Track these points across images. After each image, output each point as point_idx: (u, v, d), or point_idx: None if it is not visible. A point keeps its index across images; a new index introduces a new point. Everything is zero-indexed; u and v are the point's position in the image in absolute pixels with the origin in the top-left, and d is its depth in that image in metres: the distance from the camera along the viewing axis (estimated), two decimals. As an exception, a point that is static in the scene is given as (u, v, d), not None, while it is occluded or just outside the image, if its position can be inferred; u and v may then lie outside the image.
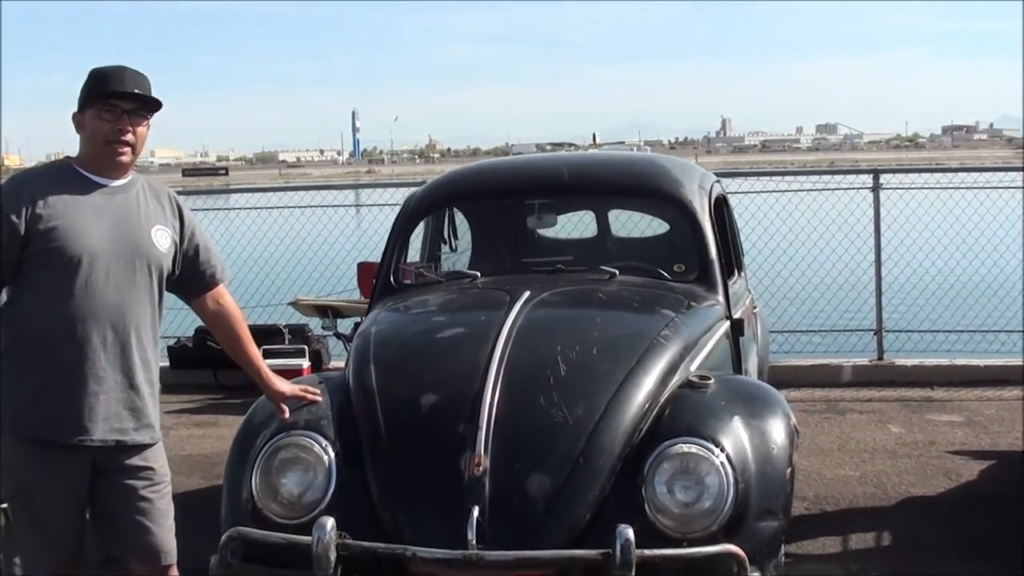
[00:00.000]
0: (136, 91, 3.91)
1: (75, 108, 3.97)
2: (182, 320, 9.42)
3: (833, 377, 10.15)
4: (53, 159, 4.42)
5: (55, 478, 3.85)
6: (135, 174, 4.07)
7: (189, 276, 4.17)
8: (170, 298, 4.23)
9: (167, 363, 10.46)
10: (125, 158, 3.94)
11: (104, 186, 3.94)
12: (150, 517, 3.99)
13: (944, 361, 10.28)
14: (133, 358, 3.92)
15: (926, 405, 9.20)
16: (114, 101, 3.89)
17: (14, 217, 3.76)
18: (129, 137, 3.91)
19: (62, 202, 3.83)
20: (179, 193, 4.33)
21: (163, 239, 4.02)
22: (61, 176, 3.94)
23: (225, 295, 4.30)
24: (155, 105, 3.99)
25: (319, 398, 4.46)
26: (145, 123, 3.99)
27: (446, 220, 6.85)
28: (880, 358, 10.51)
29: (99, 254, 3.84)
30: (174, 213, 4.12)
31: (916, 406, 9.17)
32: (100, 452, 3.89)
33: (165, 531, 4.03)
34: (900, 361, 10.41)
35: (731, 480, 4.02)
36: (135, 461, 3.97)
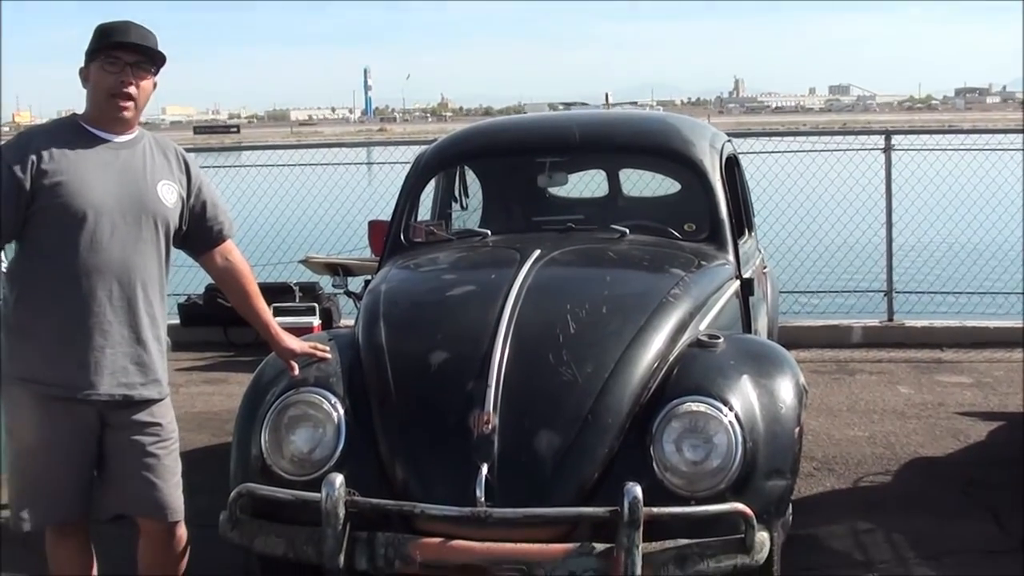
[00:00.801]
0: (139, 43, 3.89)
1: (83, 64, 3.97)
2: (192, 277, 9.45)
3: (843, 338, 10.12)
4: (63, 115, 4.41)
5: (63, 433, 3.85)
6: (141, 129, 4.04)
7: (196, 232, 4.16)
8: (182, 255, 4.22)
9: (177, 320, 10.48)
10: (128, 112, 3.92)
11: (109, 141, 3.93)
12: (157, 473, 3.98)
13: (954, 323, 10.25)
14: (140, 313, 3.91)
15: (935, 366, 9.18)
16: (117, 53, 3.87)
17: (19, 172, 3.74)
18: (131, 90, 3.89)
19: (67, 158, 3.82)
20: (190, 151, 4.32)
21: (169, 194, 4.00)
22: (67, 132, 3.92)
23: (233, 251, 4.28)
24: (159, 59, 3.96)
25: (329, 355, 4.46)
26: (149, 78, 3.97)
27: (457, 178, 6.84)
28: (890, 319, 10.48)
29: (104, 210, 3.82)
30: (181, 168, 4.09)
31: (925, 367, 9.16)
32: (107, 407, 3.89)
33: (172, 487, 4.03)
34: (910, 322, 10.38)
35: (739, 439, 4.01)
36: (142, 416, 3.96)
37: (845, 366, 9.28)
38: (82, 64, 3.95)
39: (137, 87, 3.90)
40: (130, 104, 3.91)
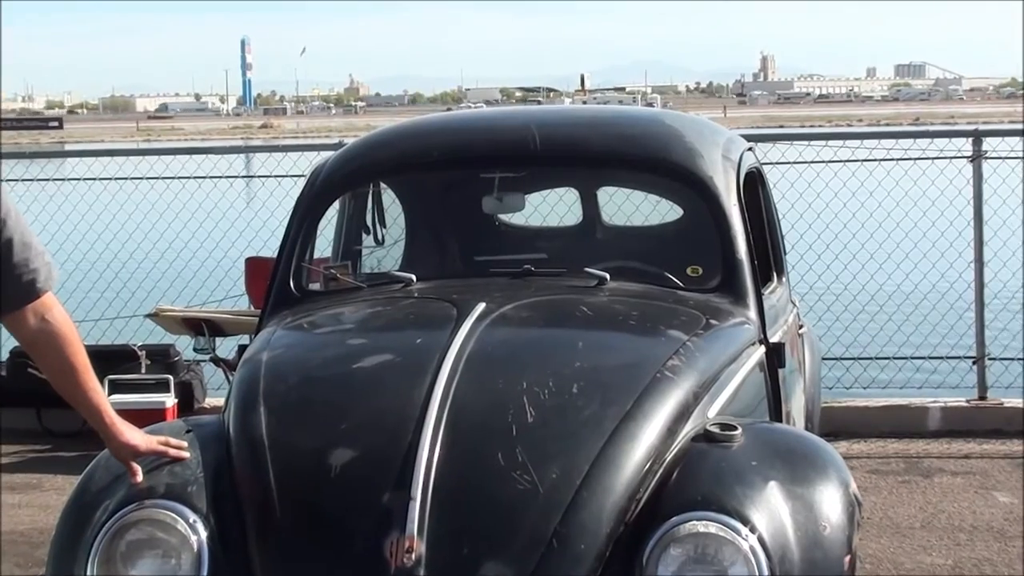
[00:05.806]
0: None
1: None
2: (-8, 338, 9.39)
3: (915, 424, 10.16)
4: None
5: None
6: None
7: (-1, 284, 4.13)
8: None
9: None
10: None
11: None
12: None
13: (1074, 403, 10.28)
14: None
15: (1048, 465, 9.22)
16: None
17: None
18: None
19: None
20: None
21: (-42, 233, 3.97)
22: None
23: (53, 308, 4.23)
24: None
25: (186, 454, 4.45)
26: None
27: (370, 201, 6.85)
28: (982, 397, 10.53)
29: None
30: (-21, 193, 4.06)
31: (1034, 466, 9.19)
32: None
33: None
34: (1010, 402, 10.42)
35: (765, 571, 4.03)
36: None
37: (918, 464, 9.31)
38: None
39: None
40: None
